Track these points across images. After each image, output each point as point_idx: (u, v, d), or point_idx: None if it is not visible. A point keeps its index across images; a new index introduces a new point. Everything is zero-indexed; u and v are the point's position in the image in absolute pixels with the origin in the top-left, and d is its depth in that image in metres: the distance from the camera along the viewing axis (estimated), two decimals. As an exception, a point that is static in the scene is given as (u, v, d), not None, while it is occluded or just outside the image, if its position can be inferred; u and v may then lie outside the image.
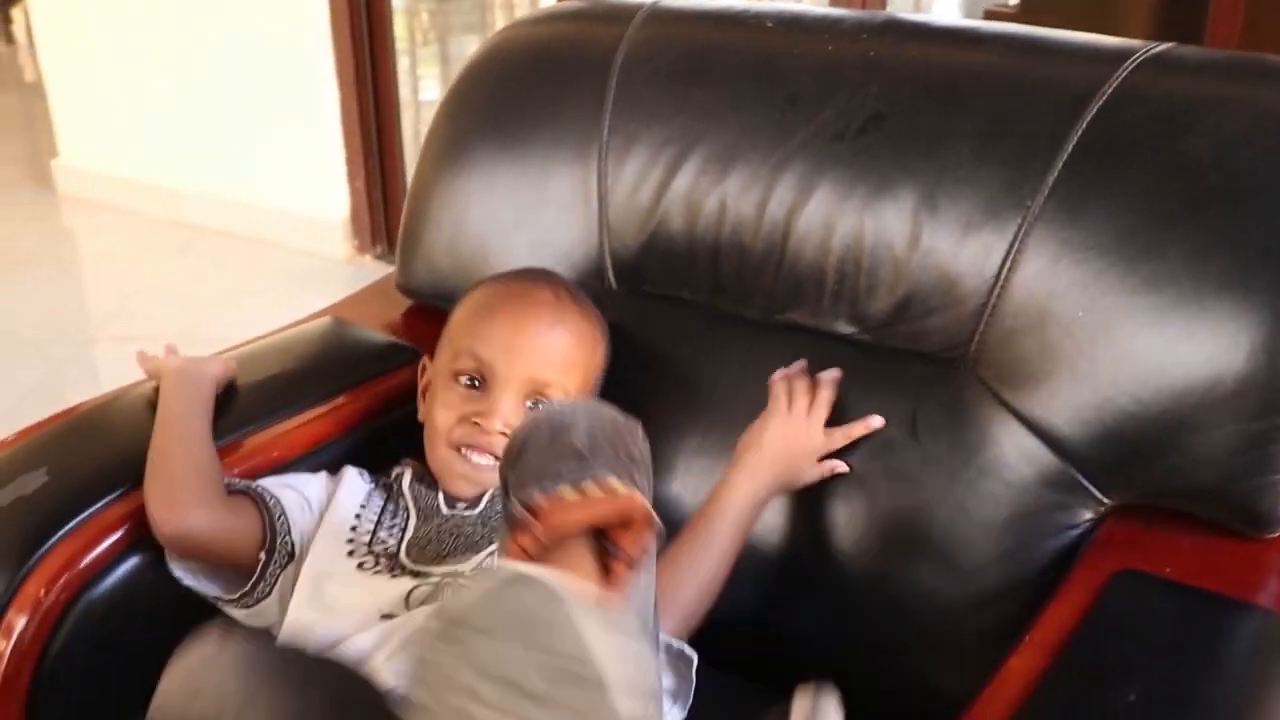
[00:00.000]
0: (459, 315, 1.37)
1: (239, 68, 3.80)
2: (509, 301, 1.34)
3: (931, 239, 1.28)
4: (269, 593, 1.25)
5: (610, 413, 1.03)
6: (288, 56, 3.70)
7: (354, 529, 1.28)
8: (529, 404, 1.29)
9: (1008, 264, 1.24)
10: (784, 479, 1.28)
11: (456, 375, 1.31)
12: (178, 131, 4.03)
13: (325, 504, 1.31)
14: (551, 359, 1.30)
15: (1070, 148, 1.22)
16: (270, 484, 1.29)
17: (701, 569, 1.24)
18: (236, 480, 1.28)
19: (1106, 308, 1.18)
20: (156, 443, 1.27)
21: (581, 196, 1.49)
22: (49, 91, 4.31)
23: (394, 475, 1.34)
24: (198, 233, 4.03)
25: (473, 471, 1.29)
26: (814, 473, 1.28)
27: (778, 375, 1.32)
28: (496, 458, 1.24)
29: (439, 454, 1.31)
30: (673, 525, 1.32)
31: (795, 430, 1.28)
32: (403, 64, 3.74)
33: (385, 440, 1.41)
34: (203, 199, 4.04)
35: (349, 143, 3.66)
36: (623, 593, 0.90)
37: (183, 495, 1.23)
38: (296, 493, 1.30)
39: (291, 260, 3.78)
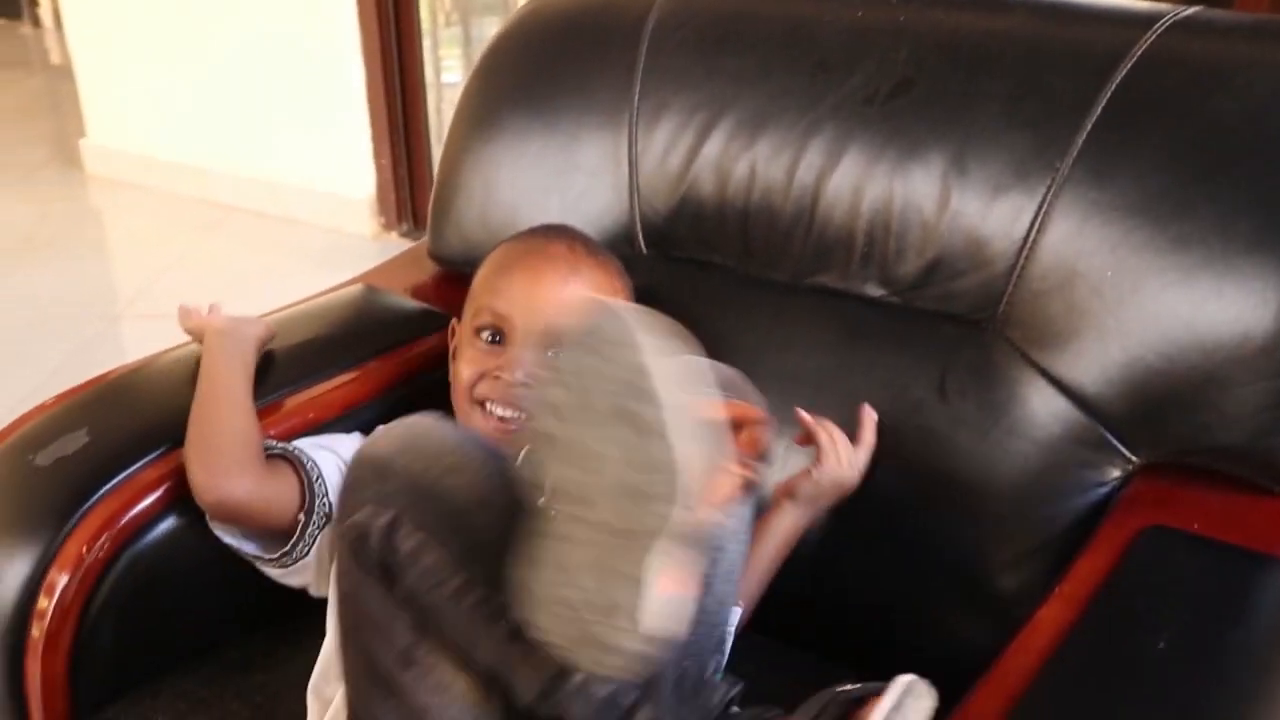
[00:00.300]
0: (480, 274, 1.38)
1: (266, 48, 3.81)
2: (525, 257, 1.35)
3: (960, 202, 1.29)
4: (307, 553, 1.26)
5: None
6: (314, 36, 3.71)
7: None
8: (550, 355, 1.30)
9: (1036, 226, 1.25)
10: (830, 504, 1.31)
11: (477, 331, 1.32)
12: (205, 111, 4.04)
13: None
14: (568, 310, 1.31)
15: (1098, 110, 1.23)
16: (307, 445, 1.30)
17: (747, 586, 1.25)
18: (275, 443, 1.29)
19: (1134, 267, 1.19)
20: (199, 406, 1.28)
21: (612, 162, 1.50)
22: (76, 72, 4.32)
23: None
24: (225, 211, 4.04)
25: (496, 428, 1.30)
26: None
27: (811, 422, 1.30)
28: (519, 411, 1.26)
29: (463, 409, 1.32)
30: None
31: (844, 469, 1.29)
32: (425, 46, 3.74)
33: (417, 403, 1.40)
34: (230, 178, 4.05)
35: (375, 122, 3.67)
36: (747, 491, 0.89)
37: (224, 462, 1.23)
38: (333, 454, 1.30)
39: (318, 238, 3.80)
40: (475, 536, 0.92)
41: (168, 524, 1.27)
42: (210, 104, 4.02)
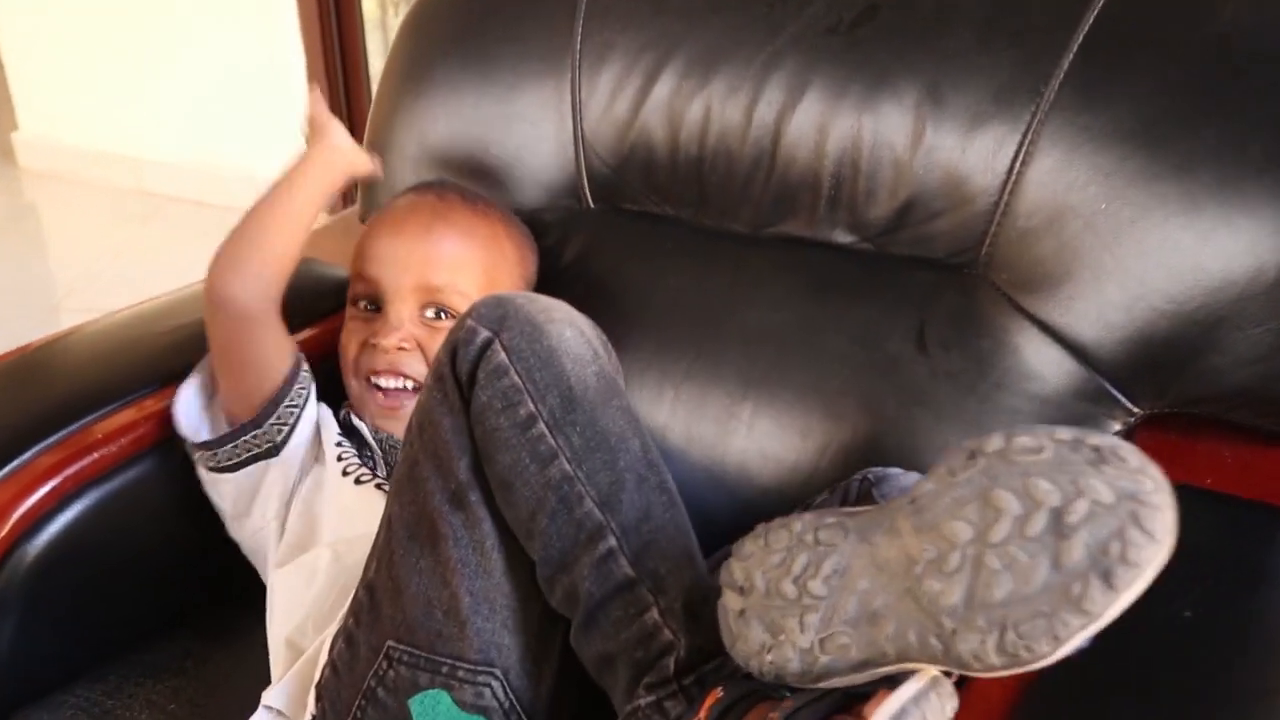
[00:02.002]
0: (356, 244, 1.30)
1: (201, 34, 3.66)
2: (390, 214, 1.29)
3: (936, 136, 1.17)
4: (233, 465, 1.18)
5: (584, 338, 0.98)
6: (252, 20, 3.56)
7: (340, 458, 1.21)
8: (429, 314, 1.23)
9: (1020, 157, 1.13)
10: None
11: (354, 302, 1.26)
12: (140, 101, 3.90)
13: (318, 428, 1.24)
14: (437, 261, 1.23)
15: (1087, 26, 1.11)
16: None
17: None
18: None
19: (1132, 198, 1.07)
20: (267, 208, 1.23)
21: (554, 111, 1.37)
22: (5, 63, 4.17)
23: (343, 415, 1.25)
24: (165, 202, 3.90)
25: (385, 407, 1.22)
26: None
27: None
28: (405, 377, 1.21)
29: (350, 387, 1.26)
30: (661, 454, 1.22)
31: None
32: (374, 39, 3.60)
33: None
34: (168, 168, 3.91)
35: (316, 102, 3.54)
36: None
37: (255, 277, 1.17)
38: (314, 415, 1.23)
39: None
40: (559, 382, 0.92)
41: (68, 515, 1.15)
42: (145, 93, 3.88)
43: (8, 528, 1.11)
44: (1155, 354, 1.08)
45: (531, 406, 0.91)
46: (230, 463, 1.18)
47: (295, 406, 1.19)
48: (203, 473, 1.20)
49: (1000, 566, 0.68)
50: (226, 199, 3.77)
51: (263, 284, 1.17)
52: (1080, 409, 1.10)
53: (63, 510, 1.14)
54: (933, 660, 0.71)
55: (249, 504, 1.19)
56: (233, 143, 3.77)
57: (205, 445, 1.18)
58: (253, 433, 1.17)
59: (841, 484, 1.08)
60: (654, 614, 0.88)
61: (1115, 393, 1.10)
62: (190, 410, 1.20)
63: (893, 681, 0.74)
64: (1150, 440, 1.09)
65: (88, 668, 1.18)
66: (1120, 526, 0.65)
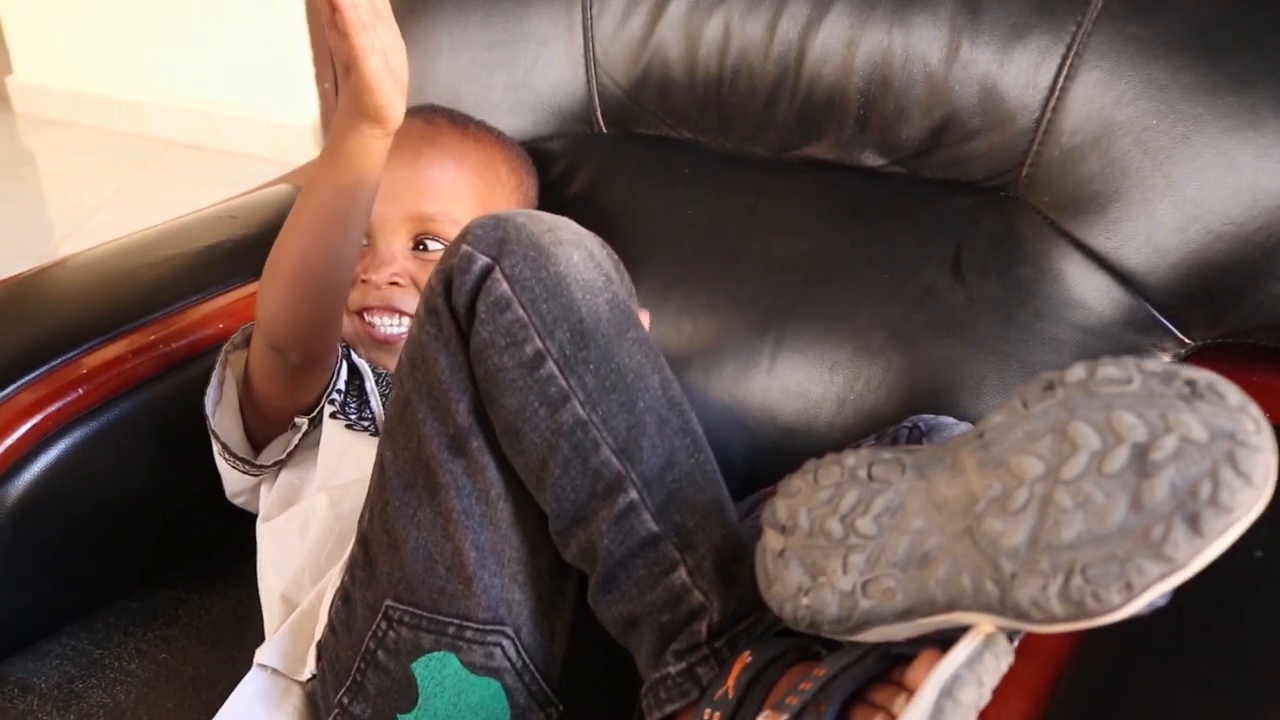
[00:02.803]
0: None
1: (199, -27, 3.60)
2: None
3: (972, 49, 1.10)
4: (281, 466, 1.12)
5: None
6: (250, -41, 3.50)
7: (331, 402, 1.13)
8: (423, 246, 1.15)
9: (1064, 71, 1.06)
10: None
11: None
12: (136, 42, 3.83)
13: None
14: (427, 189, 1.15)
15: (1138, -72, 1.04)
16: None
17: None
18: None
19: (1186, 113, 1.00)
20: (308, 217, 1.00)
21: (564, 29, 1.30)
22: (0, 7, 4.10)
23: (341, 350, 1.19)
24: (162, 146, 3.83)
25: (381, 345, 1.15)
26: None
27: None
28: (399, 314, 1.13)
29: (346, 325, 1.16)
30: (682, 388, 1.15)
31: None
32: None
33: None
34: (165, 111, 3.84)
35: (315, 43, 3.45)
36: None
37: (309, 323, 1.02)
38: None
39: (261, 170, 3.54)
40: (569, 314, 0.82)
41: (51, 455, 1.09)
42: (141, 34, 3.81)
43: (-14, 468, 1.05)
44: (1210, 280, 1.01)
45: (539, 343, 0.81)
46: (281, 458, 1.11)
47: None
48: (226, 469, 1.12)
49: (1072, 505, 0.61)
50: (224, 144, 3.72)
51: (323, 328, 1.04)
52: (1128, 339, 1.04)
53: (45, 450, 1.08)
54: (986, 610, 0.63)
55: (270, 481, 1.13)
56: (231, 86, 3.70)
57: (249, 461, 1.10)
58: (309, 429, 1.10)
59: (890, 430, 1.02)
60: (682, 573, 0.79)
61: (1166, 322, 1.04)
62: (231, 429, 1.10)
63: (939, 642, 0.67)
64: (1203, 372, 1.02)
65: (74, 615, 1.13)
66: (1213, 467, 0.58)
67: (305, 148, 3.59)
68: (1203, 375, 0.60)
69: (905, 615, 0.67)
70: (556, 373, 0.81)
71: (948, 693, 0.63)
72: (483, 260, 0.82)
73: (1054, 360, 1.04)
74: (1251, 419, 0.59)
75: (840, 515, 0.70)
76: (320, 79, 3.52)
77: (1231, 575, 0.77)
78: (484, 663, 0.86)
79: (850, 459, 0.72)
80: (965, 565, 0.64)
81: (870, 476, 0.70)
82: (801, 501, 0.73)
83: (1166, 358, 1.04)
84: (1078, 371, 0.63)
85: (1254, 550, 0.76)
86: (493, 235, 0.83)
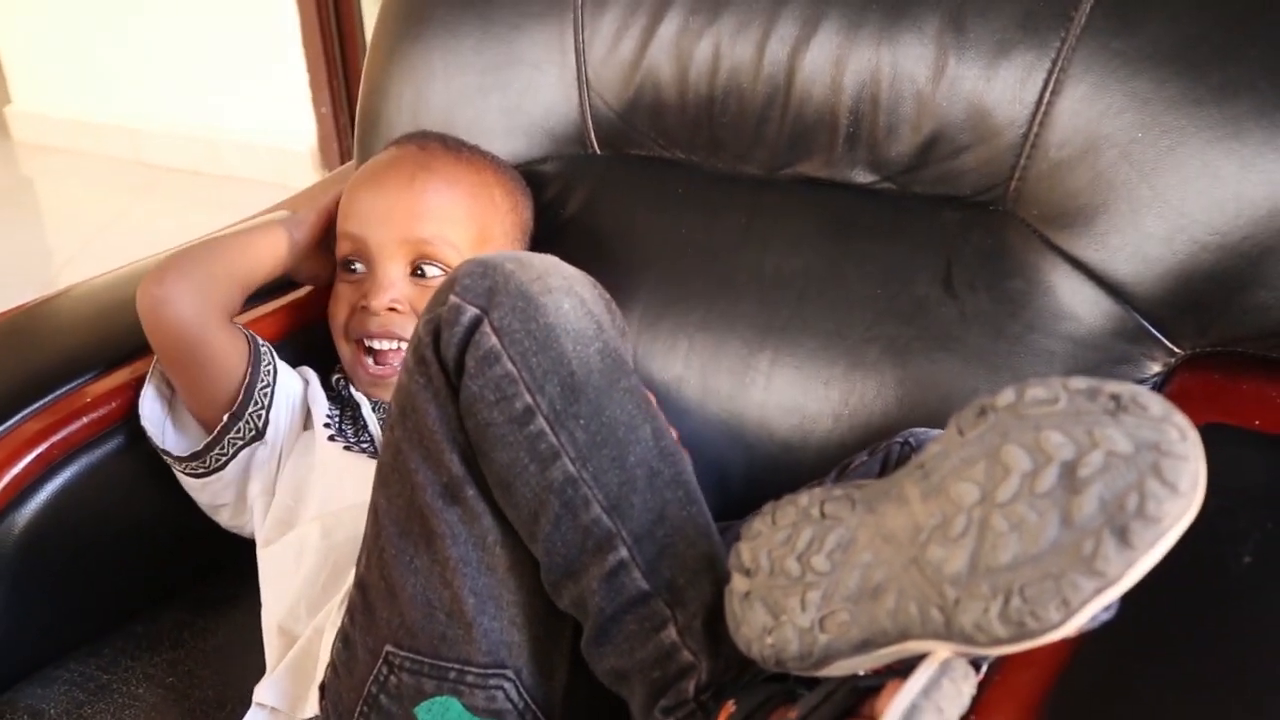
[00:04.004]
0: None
1: (197, 1, 3.61)
2: (371, 169, 1.22)
3: (959, 66, 1.11)
4: (224, 463, 1.13)
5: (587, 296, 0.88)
6: (244, -17, 3.51)
7: (326, 425, 1.15)
8: (420, 271, 1.16)
9: (1050, 86, 1.07)
10: None
11: (343, 264, 1.19)
12: (133, 69, 3.83)
13: (303, 400, 1.19)
14: (423, 214, 1.16)
15: (1119, -56, 1.05)
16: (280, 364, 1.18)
17: None
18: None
19: (1170, 125, 1.02)
20: (221, 248, 1.17)
21: (557, 53, 1.31)
22: (-3, 36, 4.11)
23: (335, 381, 1.21)
24: (161, 173, 3.84)
25: (376, 375, 1.17)
26: None
27: None
28: (400, 339, 1.15)
29: (341, 351, 1.19)
30: (676, 408, 1.16)
31: None
32: (370, 7, 3.53)
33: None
34: (163, 137, 3.85)
35: (312, 66, 3.47)
36: None
37: (183, 277, 1.11)
38: (298, 378, 1.19)
39: (260, 194, 3.54)
40: (559, 367, 0.82)
41: (57, 483, 1.11)
42: (138, 61, 3.82)
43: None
44: (1197, 289, 1.02)
45: (528, 399, 0.81)
46: (220, 463, 1.13)
47: (267, 385, 1.13)
48: (188, 481, 1.15)
49: (1007, 528, 0.62)
50: (223, 169, 3.72)
51: (199, 290, 1.11)
52: (1118, 349, 1.05)
53: (51, 478, 1.10)
54: (935, 636, 0.64)
55: (242, 493, 1.15)
56: (229, 112, 3.71)
57: (193, 456, 1.12)
58: (236, 426, 1.11)
59: (882, 446, 1.02)
60: (671, 632, 0.80)
61: (1155, 332, 1.05)
62: (157, 420, 1.14)
63: (904, 673, 0.68)
64: (1192, 381, 1.03)
65: (82, 641, 1.14)
66: (1139, 478, 0.59)
67: (304, 171, 3.60)
68: (1126, 389, 0.61)
69: (862, 647, 0.68)
70: (546, 429, 0.81)
71: None
72: (471, 311, 0.82)
73: (1045, 371, 1.05)
74: (1176, 427, 0.59)
75: (797, 554, 0.71)
76: (317, 103, 3.53)
77: (1221, 581, 0.78)
78: (486, 705, 0.86)
79: (804, 499, 0.73)
80: (912, 594, 0.65)
81: (823, 514, 0.71)
82: (762, 543, 0.74)
83: (1156, 366, 1.05)
84: (1007, 395, 0.64)
85: (1243, 557, 0.77)
86: (481, 285, 0.83)
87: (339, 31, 3.48)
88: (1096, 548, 0.59)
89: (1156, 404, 0.61)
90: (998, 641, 0.61)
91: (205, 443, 1.11)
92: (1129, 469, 0.59)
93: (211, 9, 3.60)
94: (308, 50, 3.48)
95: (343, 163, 3.59)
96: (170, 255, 1.14)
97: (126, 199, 3.71)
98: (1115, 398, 0.62)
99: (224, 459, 1.12)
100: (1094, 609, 0.59)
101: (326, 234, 1.23)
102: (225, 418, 1.10)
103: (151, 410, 1.13)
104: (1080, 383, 0.63)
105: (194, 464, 1.12)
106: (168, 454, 1.13)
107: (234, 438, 1.11)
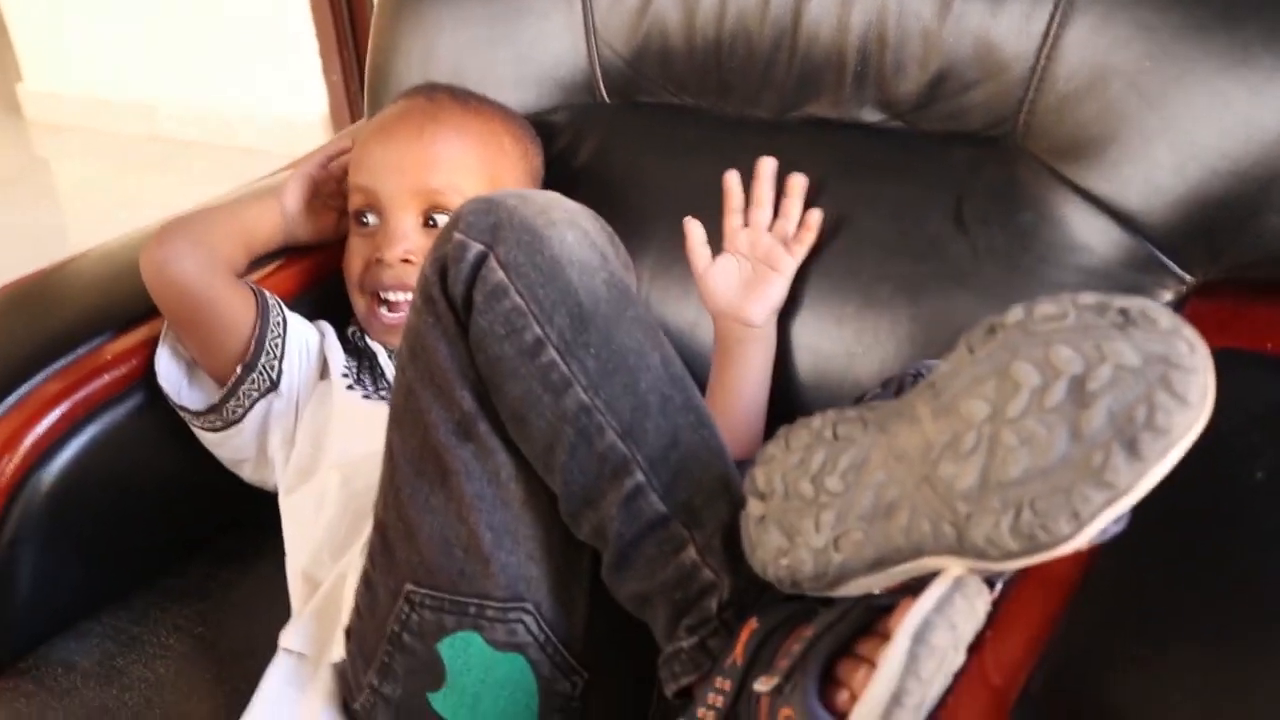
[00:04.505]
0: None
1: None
2: (380, 122, 1.22)
3: (965, 2, 1.12)
4: (241, 415, 1.14)
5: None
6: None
7: (344, 375, 1.17)
8: (431, 221, 1.17)
9: (1056, 18, 1.08)
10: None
11: (355, 217, 1.20)
12: (144, 45, 3.84)
13: (321, 351, 1.20)
14: (433, 164, 1.17)
15: (1123, -128, 1.05)
16: (290, 314, 1.19)
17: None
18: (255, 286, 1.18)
19: (1178, 53, 1.02)
20: (222, 215, 1.21)
21: (563, 2, 1.31)
22: (7, 15, 4.12)
23: (351, 333, 1.22)
24: (174, 147, 3.85)
25: (391, 325, 1.18)
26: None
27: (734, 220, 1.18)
28: (411, 289, 1.12)
29: (356, 304, 1.21)
30: (690, 353, 1.17)
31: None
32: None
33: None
34: (176, 112, 3.86)
35: (321, 34, 3.47)
36: None
37: (183, 237, 1.13)
38: (309, 326, 1.20)
39: (273, 165, 3.60)
40: (567, 298, 0.82)
41: (81, 441, 1.11)
42: (148, 36, 3.82)
43: (20, 456, 1.08)
44: (1208, 216, 1.02)
45: (538, 330, 0.82)
46: (237, 416, 1.14)
47: (278, 336, 1.15)
48: (208, 436, 1.16)
49: (1017, 442, 0.62)
50: (236, 140, 3.73)
51: (199, 248, 1.13)
52: (1130, 279, 1.05)
53: (75, 436, 1.10)
54: (948, 551, 0.65)
55: (263, 446, 1.16)
56: (241, 84, 3.71)
57: (210, 410, 1.14)
58: (250, 377, 1.13)
59: (895, 378, 1.03)
60: (691, 552, 0.80)
61: (1166, 260, 1.05)
62: (174, 379, 1.15)
63: (920, 590, 0.68)
64: (1204, 308, 1.04)
65: (113, 595, 1.15)
66: (1147, 391, 0.59)
67: (315, 140, 3.61)
68: (1135, 303, 0.62)
69: (877, 565, 0.68)
70: (557, 359, 0.82)
71: (920, 639, 0.64)
72: (476, 248, 0.83)
73: (1058, 304, 1.06)
74: (1185, 340, 0.60)
75: (810, 476, 0.72)
76: (327, 71, 3.53)
77: (1233, 496, 0.79)
78: (507, 639, 0.87)
79: (817, 421, 0.74)
80: (925, 511, 0.65)
81: (835, 436, 0.72)
82: (776, 467, 0.74)
83: (1168, 295, 1.05)
84: (1016, 313, 0.65)
85: (1255, 473, 0.78)
86: (485, 221, 0.83)
87: (348, 4, 3.48)
88: (1106, 459, 0.59)
89: (1165, 318, 0.61)
90: (1010, 555, 0.62)
91: (220, 395, 1.13)
92: (1137, 382, 0.60)
93: (217, -19, 3.60)
94: (317, 20, 3.48)
95: (352, 116, 3.60)
96: (169, 220, 1.16)
97: (141, 174, 3.73)
98: (1124, 312, 0.62)
99: (241, 411, 1.13)
100: (1104, 521, 0.60)
101: (315, 194, 1.25)
102: (238, 369, 1.12)
103: (167, 369, 1.14)
104: (1089, 298, 0.63)
105: (212, 418, 1.14)
106: (185, 410, 1.14)
107: (248, 389, 1.12)
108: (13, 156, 4.01)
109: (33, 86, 4.20)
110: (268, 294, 1.16)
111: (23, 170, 3.95)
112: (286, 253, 1.26)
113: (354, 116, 3.56)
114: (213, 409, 1.13)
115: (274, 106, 3.67)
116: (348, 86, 3.52)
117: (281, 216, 1.22)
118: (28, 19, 4.09)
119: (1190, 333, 0.60)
